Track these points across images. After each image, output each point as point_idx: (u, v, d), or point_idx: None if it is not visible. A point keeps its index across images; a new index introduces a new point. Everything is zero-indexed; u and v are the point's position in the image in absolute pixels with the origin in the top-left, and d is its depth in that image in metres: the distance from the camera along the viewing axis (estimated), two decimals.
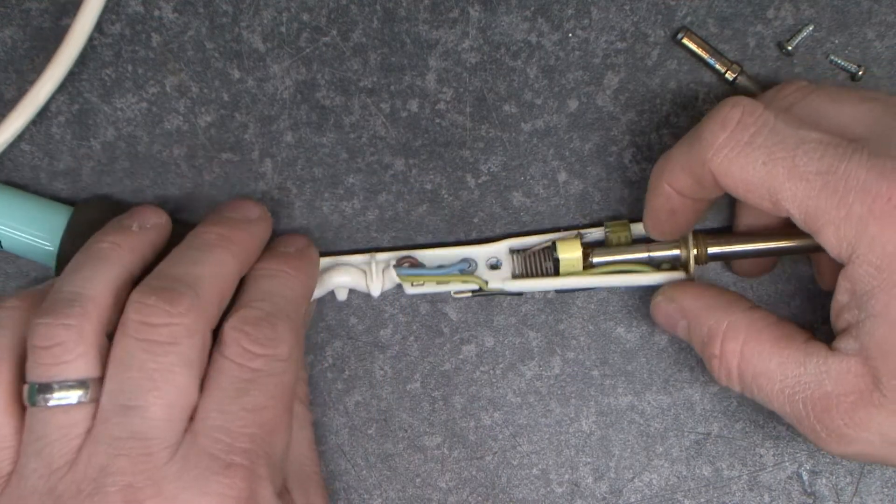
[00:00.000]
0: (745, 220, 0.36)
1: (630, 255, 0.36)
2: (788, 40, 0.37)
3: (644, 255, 0.36)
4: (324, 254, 0.37)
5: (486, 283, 0.37)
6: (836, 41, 0.37)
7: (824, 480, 0.38)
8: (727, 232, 0.37)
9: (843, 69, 0.37)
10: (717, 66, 0.37)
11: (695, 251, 0.35)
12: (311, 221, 0.38)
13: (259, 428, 0.30)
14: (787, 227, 0.34)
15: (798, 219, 0.29)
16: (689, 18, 0.37)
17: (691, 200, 0.33)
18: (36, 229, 0.36)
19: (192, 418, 0.30)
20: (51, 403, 0.30)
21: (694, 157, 0.31)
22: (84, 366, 0.30)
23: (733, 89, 0.37)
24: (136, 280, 0.32)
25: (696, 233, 0.36)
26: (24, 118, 0.35)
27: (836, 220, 0.29)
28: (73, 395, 0.30)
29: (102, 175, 0.37)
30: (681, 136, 0.37)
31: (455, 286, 0.37)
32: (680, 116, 0.37)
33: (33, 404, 0.30)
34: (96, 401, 0.30)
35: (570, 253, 0.36)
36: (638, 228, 0.37)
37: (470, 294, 0.37)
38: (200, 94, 0.37)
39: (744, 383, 0.32)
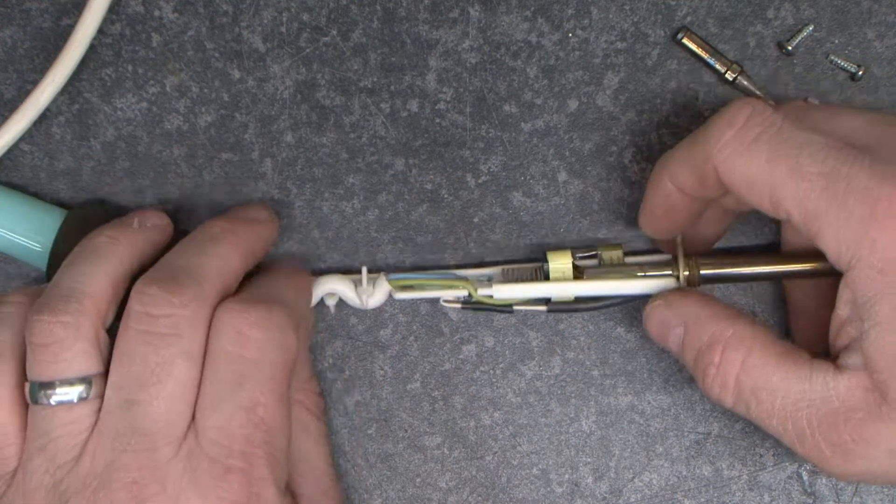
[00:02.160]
0: (788, 243, 0.36)
1: (622, 277, 0.36)
2: (788, 40, 0.37)
3: (635, 273, 0.36)
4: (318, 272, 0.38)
5: (475, 287, 0.36)
6: (836, 41, 0.37)
7: (824, 480, 0.38)
8: (720, 252, 0.37)
9: (843, 69, 0.37)
10: (717, 66, 0.37)
11: (686, 272, 0.35)
12: (311, 221, 0.38)
13: (255, 427, 0.30)
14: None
15: (797, 220, 0.29)
16: (689, 18, 0.37)
17: (690, 198, 0.33)
18: (29, 230, 0.36)
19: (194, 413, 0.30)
20: (53, 401, 0.30)
21: (698, 152, 0.31)
22: (85, 363, 0.30)
23: (733, 89, 0.37)
24: (135, 276, 0.32)
25: (688, 254, 0.35)
26: (26, 121, 0.35)
27: (837, 223, 0.28)
28: (75, 392, 0.30)
29: (102, 175, 0.37)
30: (681, 136, 0.37)
31: (443, 292, 0.36)
32: (680, 116, 0.37)
33: (36, 402, 0.30)
34: (100, 396, 0.30)
35: (560, 262, 0.36)
36: (630, 246, 0.37)
37: (459, 305, 0.37)
38: (200, 94, 0.37)
39: (739, 396, 0.31)
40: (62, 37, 0.37)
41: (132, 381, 0.29)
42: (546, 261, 0.36)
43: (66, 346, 0.30)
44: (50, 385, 0.30)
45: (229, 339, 0.30)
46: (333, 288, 0.36)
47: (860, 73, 0.37)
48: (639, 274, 0.36)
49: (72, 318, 0.30)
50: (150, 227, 0.34)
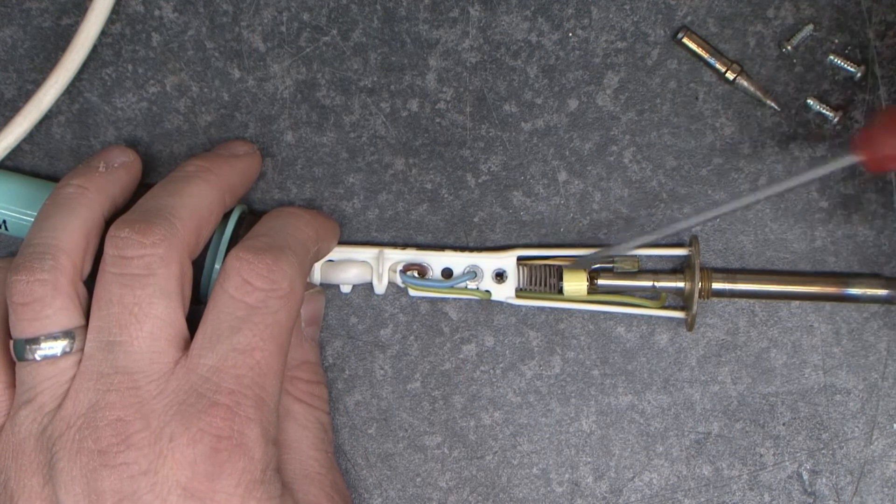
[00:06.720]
0: None
1: (635, 282, 0.37)
2: (788, 40, 0.37)
3: (649, 283, 0.36)
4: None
5: (490, 295, 0.37)
6: (836, 41, 0.37)
7: (824, 480, 0.38)
8: (735, 270, 0.38)
9: (843, 69, 0.37)
10: (717, 66, 0.37)
11: (700, 285, 0.36)
12: None
13: (249, 370, 0.30)
14: None
15: None
16: (689, 18, 0.37)
17: None
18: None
19: (187, 350, 0.30)
20: (38, 356, 0.30)
21: None
22: (66, 317, 0.30)
23: (733, 89, 0.37)
24: (108, 221, 0.32)
25: (703, 268, 0.36)
26: (28, 123, 0.36)
27: None
28: (59, 346, 0.30)
29: None
30: (681, 136, 0.37)
31: (459, 294, 0.37)
32: (680, 116, 0.37)
33: (21, 359, 0.30)
34: (83, 348, 0.30)
35: (575, 283, 0.37)
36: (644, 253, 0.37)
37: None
38: (200, 93, 0.37)
39: None
40: (62, 36, 0.37)
41: (112, 323, 0.30)
42: (561, 278, 0.37)
43: (46, 304, 0.30)
44: (34, 342, 0.30)
45: (234, 286, 0.30)
46: (349, 277, 0.37)
47: (860, 73, 0.37)
48: (652, 283, 0.37)
49: (48, 275, 0.30)
50: (117, 168, 0.34)
